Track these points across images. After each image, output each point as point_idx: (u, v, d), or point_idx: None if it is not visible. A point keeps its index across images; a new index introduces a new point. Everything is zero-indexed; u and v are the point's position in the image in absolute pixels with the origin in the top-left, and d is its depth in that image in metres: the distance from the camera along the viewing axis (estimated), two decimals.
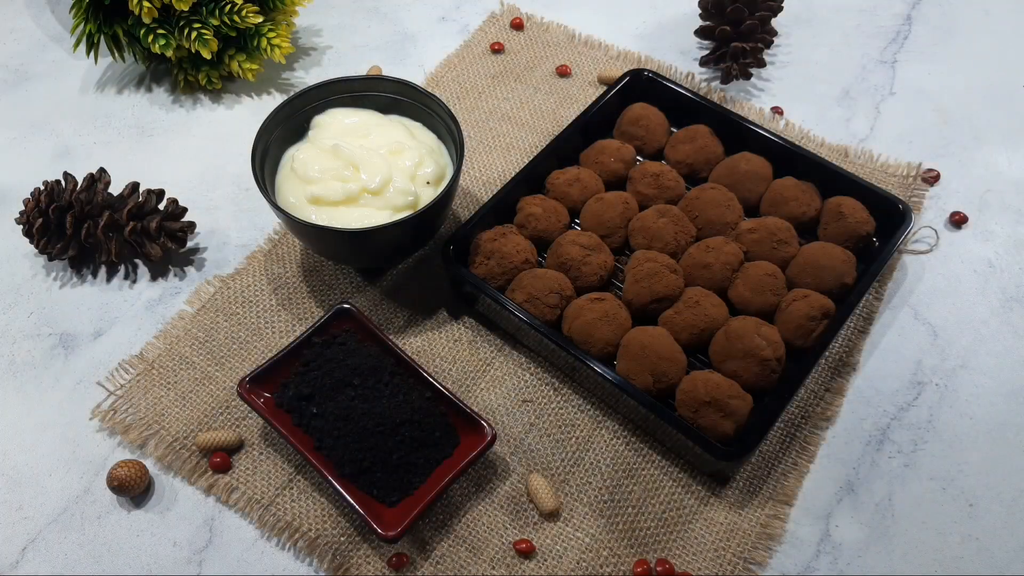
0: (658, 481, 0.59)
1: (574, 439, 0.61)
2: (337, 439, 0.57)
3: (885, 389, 0.64)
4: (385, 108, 0.69)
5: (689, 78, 0.83)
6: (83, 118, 0.81)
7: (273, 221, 0.73)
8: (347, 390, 0.59)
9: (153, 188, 0.70)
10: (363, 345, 0.61)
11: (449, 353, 0.65)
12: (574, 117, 0.74)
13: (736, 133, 0.72)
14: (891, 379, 0.65)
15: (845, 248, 0.65)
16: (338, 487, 0.54)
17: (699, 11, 0.84)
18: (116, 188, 0.72)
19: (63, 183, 0.69)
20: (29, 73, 0.85)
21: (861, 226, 0.66)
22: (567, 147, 0.72)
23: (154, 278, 0.70)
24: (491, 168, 0.77)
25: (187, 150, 0.79)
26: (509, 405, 0.63)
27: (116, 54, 0.82)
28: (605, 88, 0.77)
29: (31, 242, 0.68)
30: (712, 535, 0.57)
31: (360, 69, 0.85)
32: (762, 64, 0.82)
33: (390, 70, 0.84)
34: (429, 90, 0.72)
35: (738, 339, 0.59)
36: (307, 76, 0.85)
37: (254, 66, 0.81)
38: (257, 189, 0.70)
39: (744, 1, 0.81)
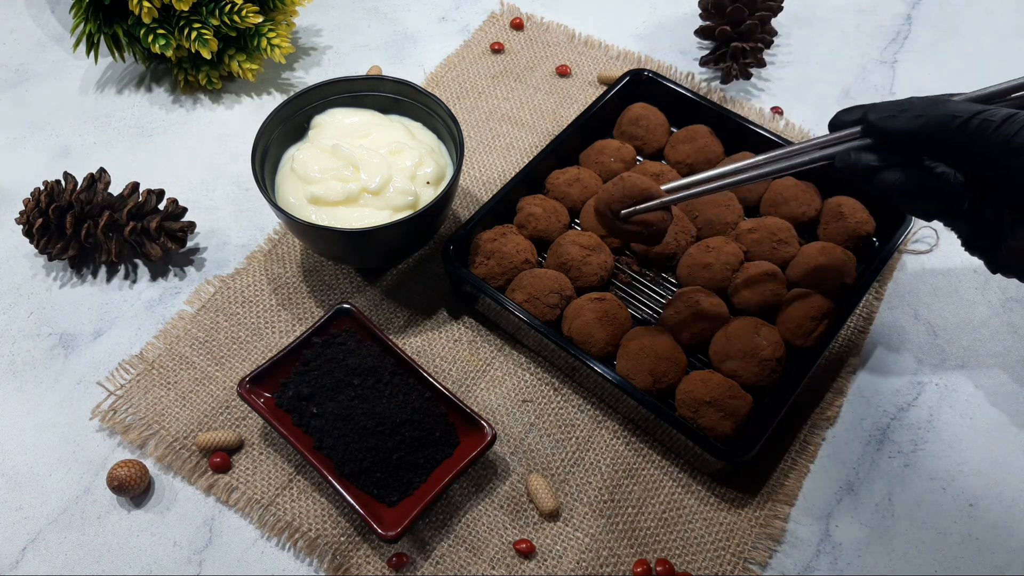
0: (658, 481, 0.59)
1: (574, 439, 0.61)
2: (337, 439, 0.57)
3: (885, 389, 0.64)
4: (385, 108, 0.69)
5: (689, 78, 0.83)
6: (83, 118, 0.81)
7: (273, 221, 0.73)
8: (347, 390, 0.59)
9: (153, 188, 0.70)
10: (363, 345, 0.61)
11: (449, 353, 0.65)
12: (574, 117, 0.74)
13: (736, 133, 0.72)
14: (891, 379, 0.65)
15: (845, 248, 0.65)
16: (338, 487, 0.55)
17: (699, 11, 0.84)
18: (116, 188, 0.72)
19: (63, 183, 0.69)
20: (29, 73, 0.85)
21: (861, 226, 0.66)
22: (567, 147, 0.72)
23: (154, 278, 0.70)
24: (491, 168, 0.77)
25: (187, 150, 0.79)
26: (509, 405, 0.63)
27: (116, 54, 0.82)
28: (605, 88, 0.78)
29: (31, 242, 0.68)
30: (712, 535, 0.57)
31: (360, 69, 0.85)
32: (762, 64, 0.82)
33: (390, 70, 0.84)
34: (429, 90, 0.72)
35: (738, 339, 0.60)
36: (307, 76, 0.85)
37: (254, 66, 0.81)
38: (257, 189, 0.70)
39: (744, 1, 0.81)
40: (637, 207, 0.56)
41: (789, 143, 0.70)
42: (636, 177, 0.56)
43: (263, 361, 0.62)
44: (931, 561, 0.57)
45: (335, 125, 0.67)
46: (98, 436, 0.62)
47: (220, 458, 0.60)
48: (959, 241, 0.50)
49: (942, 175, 0.47)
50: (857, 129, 0.49)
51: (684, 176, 0.72)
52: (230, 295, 0.69)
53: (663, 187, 0.56)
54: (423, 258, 0.71)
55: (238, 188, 0.76)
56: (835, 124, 0.50)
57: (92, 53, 0.81)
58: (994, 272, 0.49)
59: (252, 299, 0.68)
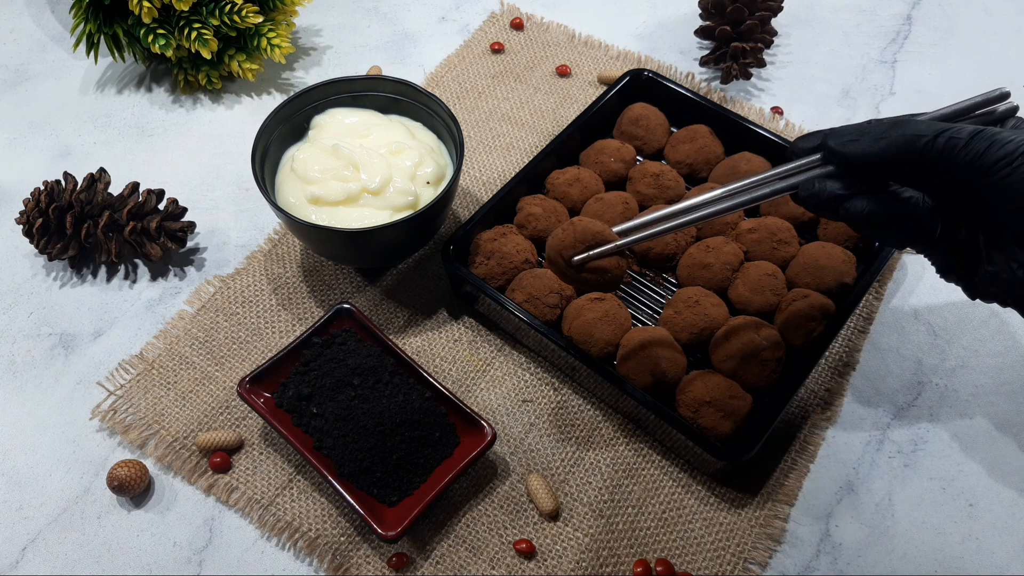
0: (658, 481, 0.59)
1: (574, 439, 0.61)
2: (337, 439, 0.57)
3: (885, 389, 0.64)
4: (385, 108, 0.69)
5: (689, 78, 0.83)
6: (83, 118, 0.81)
7: (273, 221, 0.73)
8: (347, 390, 0.59)
9: (153, 188, 0.70)
10: (363, 345, 0.61)
11: (449, 353, 0.65)
12: (574, 117, 0.74)
13: (736, 133, 0.72)
14: (891, 379, 0.65)
15: (845, 248, 0.65)
16: (338, 487, 0.55)
17: (699, 11, 0.84)
18: (116, 188, 0.72)
19: (63, 183, 0.69)
20: (29, 73, 0.85)
21: None
22: (567, 147, 0.72)
23: (154, 278, 0.70)
24: (491, 168, 0.77)
25: (187, 150, 0.79)
26: (509, 405, 0.63)
27: (116, 54, 0.82)
28: (605, 88, 0.78)
29: (31, 242, 0.68)
30: (712, 535, 0.57)
31: (360, 69, 0.85)
32: (762, 64, 0.82)
33: (390, 70, 0.84)
34: (429, 90, 0.72)
35: (738, 339, 0.59)
36: (307, 76, 0.85)
37: (254, 66, 0.81)
38: (257, 189, 0.70)
39: (744, 1, 0.81)
40: (590, 254, 0.53)
41: (783, 147, 0.70)
42: (587, 221, 0.54)
43: (263, 361, 0.62)
44: (931, 561, 0.57)
45: (335, 125, 0.67)
46: (98, 436, 0.62)
47: (220, 458, 0.60)
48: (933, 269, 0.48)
49: (910, 200, 0.45)
50: (818, 156, 0.46)
51: (683, 175, 0.72)
52: (230, 295, 0.69)
53: (617, 228, 0.53)
54: (423, 258, 0.71)
55: (238, 188, 0.76)
56: (794, 152, 0.48)
57: (92, 53, 0.81)
58: (972, 298, 0.47)
59: (252, 299, 0.68)
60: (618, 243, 0.53)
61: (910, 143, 0.42)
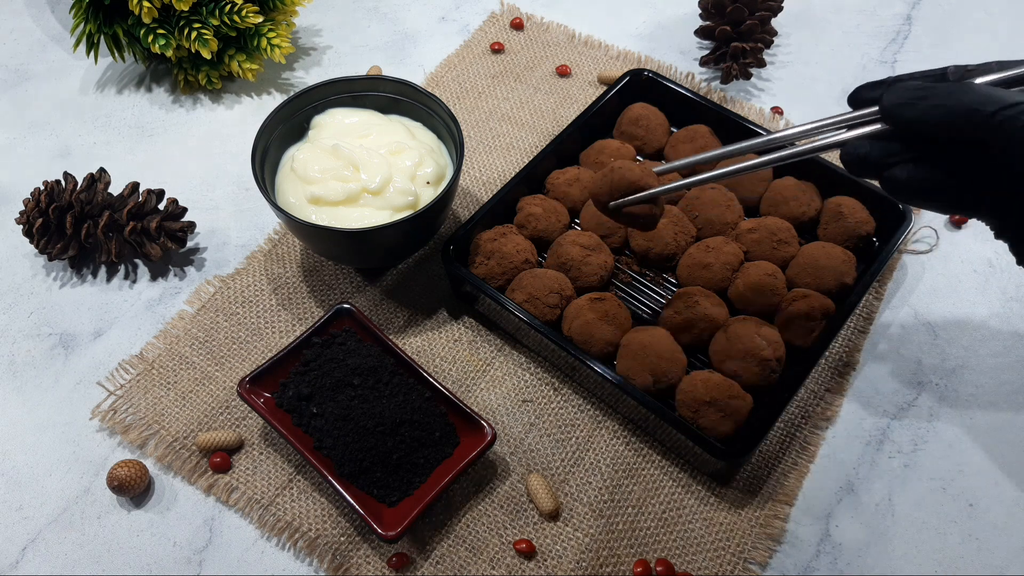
0: (658, 481, 0.59)
1: (574, 439, 0.61)
2: (337, 439, 0.57)
3: (885, 389, 0.64)
4: (385, 108, 0.69)
5: (689, 78, 0.83)
6: (83, 118, 0.81)
7: (273, 221, 0.73)
8: (347, 390, 0.59)
9: (153, 188, 0.70)
10: (363, 345, 0.61)
11: (449, 353, 0.65)
12: (574, 117, 0.74)
13: (736, 133, 0.72)
14: (891, 379, 0.65)
15: (845, 248, 0.65)
16: (338, 487, 0.55)
17: (699, 11, 0.84)
18: (116, 188, 0.72)
19: (63, 183, 0.69)
20: (29, 73, 0.85)
21: (861, 226, 0.66)
22: (567, 147, 0.72)
23: (154, 278, 0.70)
24: (491, 168, 0.77)
25: (187, 150, 0.79)
26: (509, 405, 0.63)
27: (116, 54, 0.82)
28: (605, 88, 0.78)
29: (31, 242, 0.68)
30: (712, 535, 0.57)
31: (360, 69, 0.85)
32: (762, 64, 0.82)
33: (390, 70, 0.84)
34: (429, 90, 0.72)
35: (738, 339, 0.59)
36: (307, 76, 0.85)
37: (254, 66, 0.81)
38: (257, 189, 0.70)
39: (744, 1, 0.81)
40: (625, 199, 0.54)
41: (783, 147, 0.70)
42: (625, 169, 0.54)
43: (263, 361, 0.62)
44: (931, 561, 0.57)
45: (335, 125, 0.67)
46: (98, 436, 0.62)
47: (220, 458, 0.60)
48: (990, 231, 0.46)
49: (959, 171, 0.43)
50: (876, 109, 0.45)
51: (684, 176, 0.72)
52: (230, 295, 0.69)
53: (657, 169, 0.54)
54: (423, 258, 0.71)
55: (238, 188, 0.76)
56: (855, 100, 0.46)
57: (92, 53, 0.81)
58: (1020, 264, 0.45)
59: (252, 299, 0.68)
60: (652, 191, 0.53)
61: (969, 116, 0.41)
